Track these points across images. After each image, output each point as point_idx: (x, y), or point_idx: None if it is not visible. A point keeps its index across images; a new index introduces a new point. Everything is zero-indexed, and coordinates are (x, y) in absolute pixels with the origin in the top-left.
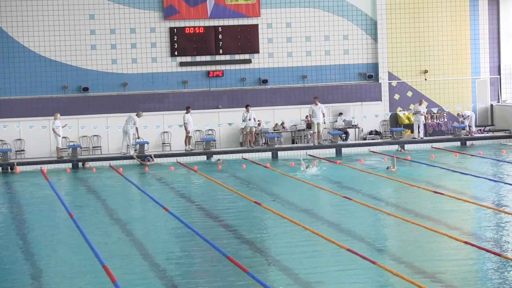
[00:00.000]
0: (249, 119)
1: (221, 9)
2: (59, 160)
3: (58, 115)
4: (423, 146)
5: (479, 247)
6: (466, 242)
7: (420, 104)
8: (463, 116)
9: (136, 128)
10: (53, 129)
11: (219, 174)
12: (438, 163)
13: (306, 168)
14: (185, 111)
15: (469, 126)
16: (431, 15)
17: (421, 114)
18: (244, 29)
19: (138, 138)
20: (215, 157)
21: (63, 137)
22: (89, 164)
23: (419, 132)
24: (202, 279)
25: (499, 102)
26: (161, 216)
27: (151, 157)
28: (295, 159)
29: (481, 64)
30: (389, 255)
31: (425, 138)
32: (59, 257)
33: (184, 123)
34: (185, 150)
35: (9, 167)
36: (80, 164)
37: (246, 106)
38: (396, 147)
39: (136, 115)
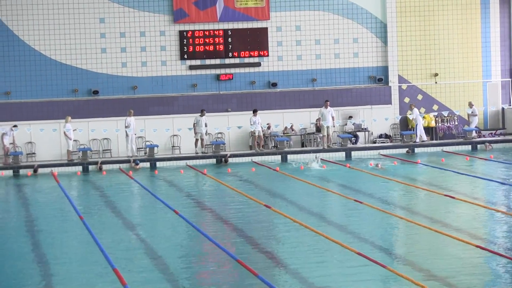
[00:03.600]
0: (258, 123)
1: (230, 12)
2: (70, 163)
3: (69, 118)
4: (433, 150)
5: (491, 251)
6: (477, 246)
7: (411, 109)
8: (473, 112)
9: (125, 129)
10: (64, 132)
11: (229, 177)
12: (448, 166)
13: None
14: (199, 114)
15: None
16: (442, 17)
17: (412, 119)
18: (254, 32)
19: (135, 134)
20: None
21: (73, 140)
22: (99, 166)
23: (416, 135)
24: (211, 282)
25: (510, 105)
26: (171, 219)
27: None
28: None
29: (492, 67)
30: (399, 259)
31: (435, 141)
32: (69, 260)
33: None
34: (196, 153)
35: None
36: (94, 166)
37: (254, 111)
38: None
39: (128, 115)
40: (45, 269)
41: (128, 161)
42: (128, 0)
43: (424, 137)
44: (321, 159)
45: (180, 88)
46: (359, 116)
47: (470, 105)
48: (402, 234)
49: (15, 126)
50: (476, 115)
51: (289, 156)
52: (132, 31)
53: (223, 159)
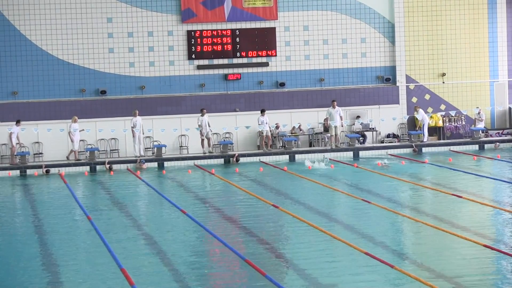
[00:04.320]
0: (266, 123)
1: (238, 12)
2: (77, 163)
3: (76, 118)
4: (441, 149)
5: (498, 251)
6: (485, 246)
7: (416, 111)
8: (479, 116)
9: (132, 130)
10: (69, 132)
11: (236, 177)
12: (456, 166)
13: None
14: (200, 114)
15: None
16: (449, 17)
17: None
18: (262, 32)
19: (143, 134)
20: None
21: (81, 140)
22: (109, 166)
23: (424, 135)
24: (219, 282)
25: None
26: (178, 219)
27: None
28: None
29: (500, 67)
30: (407, 259)
31: (442, 141)
32: (77, 260)
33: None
34: (203, 153)
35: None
36: (101, 166)
37: (262, 111)
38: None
39: (133, 115)
40: (53, 269)
41: (135, 161)
42: (136, 0)
43: (426, 138)
44: (329, 159)
45: (188, 88)
46: (367, 116)
47: (478, 110)
48: (410, 234)
49: (18, 121)
50: (482, 120)
51: (297, 156)
52: (140, 31)
53: (231, 158)
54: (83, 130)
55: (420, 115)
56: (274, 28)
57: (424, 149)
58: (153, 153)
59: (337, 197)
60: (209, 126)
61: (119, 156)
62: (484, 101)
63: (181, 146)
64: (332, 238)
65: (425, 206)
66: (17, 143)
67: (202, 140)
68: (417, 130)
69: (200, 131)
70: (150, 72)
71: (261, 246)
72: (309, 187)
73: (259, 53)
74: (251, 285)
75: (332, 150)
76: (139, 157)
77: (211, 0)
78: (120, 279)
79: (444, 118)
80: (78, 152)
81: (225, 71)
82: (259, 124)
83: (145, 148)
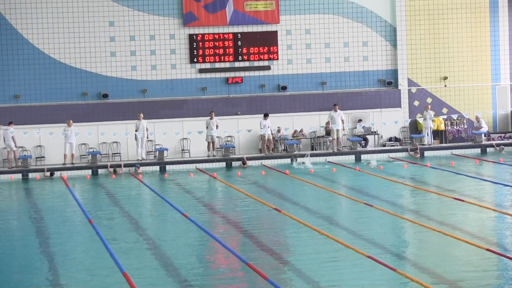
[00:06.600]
0: (268, 127)
1: (240, 16)
2: (80, 167)
3: (71, 121)
4: (443, 153)
5: (501, 255)
6: (487, 249)
7: (426, 110)
8: (478, 122)
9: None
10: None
11: (238, 180)
12: (458, 169)
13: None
14: (209, 117)
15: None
16: (451, 21)
17: (431, 119)
18: (263, 35)
19: (147, 138)
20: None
21: (82, 144)
22: (122, 170)
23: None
24: (221, 286)
25: None
26: (180, 223)
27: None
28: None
29: (502, 70)
30: (409, 262)
31: (444, 144)
32: (78, 264)
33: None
34: (207, 156)
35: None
36: (104, 170)
37: (265, 115)
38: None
39: (138, 118)
40: (54, 273)
41: (147, 164)
42: (137, 4)
43: (430, 140)
44: (328, 161)
45: (190, 92)
46: (369, 119)
47: (477, 118)
48: (412, 237)
49: (10, 123)
50: (482, 127)
51: (299, 160)
52: (142, 34)
53: (238, 162)
54: (78, 133)
55: (428, 115)
56: (276, 31)
57: (426, 153)
58: (155, 156)
59: (339, 200)
60: (216, 128)
61: (121, 159)
62: (486, 105)
63: (183, 150)
64: (334, 241)
65: (427, 210)
66: (18, 147)
67: (208, 143)
68: (420, 133)
69: (207, 133)
70: (152, 75)
71: (263, 250)
72: (311, 191)
73: (261, 56)
74: None
75: (334, 154)
76: (140, 160)
77: (213, 3)
78: (122, 283)
79: (446, 122)
80: (79, 155)
81: (227, 74)
82: (261, 128)
83: (147, 152)
